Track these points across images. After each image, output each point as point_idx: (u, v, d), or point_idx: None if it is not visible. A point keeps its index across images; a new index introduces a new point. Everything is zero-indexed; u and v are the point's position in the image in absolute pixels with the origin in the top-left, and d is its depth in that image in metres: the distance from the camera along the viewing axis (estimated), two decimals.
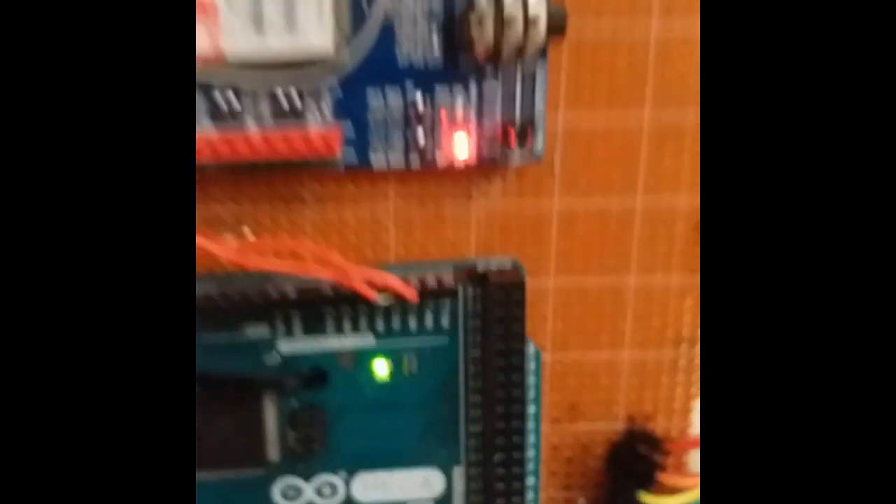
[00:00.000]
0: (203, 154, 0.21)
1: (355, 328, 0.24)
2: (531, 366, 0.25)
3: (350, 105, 0.22)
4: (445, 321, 0.24)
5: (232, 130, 0.21)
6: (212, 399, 0.23)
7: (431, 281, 0.23)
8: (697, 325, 0.25)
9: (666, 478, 0.25)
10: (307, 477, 0.25)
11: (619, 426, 0.26)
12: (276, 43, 0.21)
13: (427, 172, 0.23)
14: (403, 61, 0.21)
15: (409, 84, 0.22)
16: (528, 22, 0.20)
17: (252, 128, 0.22)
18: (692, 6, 0.22)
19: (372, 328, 0.24)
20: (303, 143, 0.21)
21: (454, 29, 0.21)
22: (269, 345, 0.23)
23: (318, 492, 0.25)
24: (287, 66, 0.21)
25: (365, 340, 0.24)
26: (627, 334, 0.25)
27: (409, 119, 0.22)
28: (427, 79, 0.22)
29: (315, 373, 0.24)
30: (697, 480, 0.25)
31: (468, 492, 0.25)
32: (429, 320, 0.24)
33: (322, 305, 0.23)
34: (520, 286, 0.23)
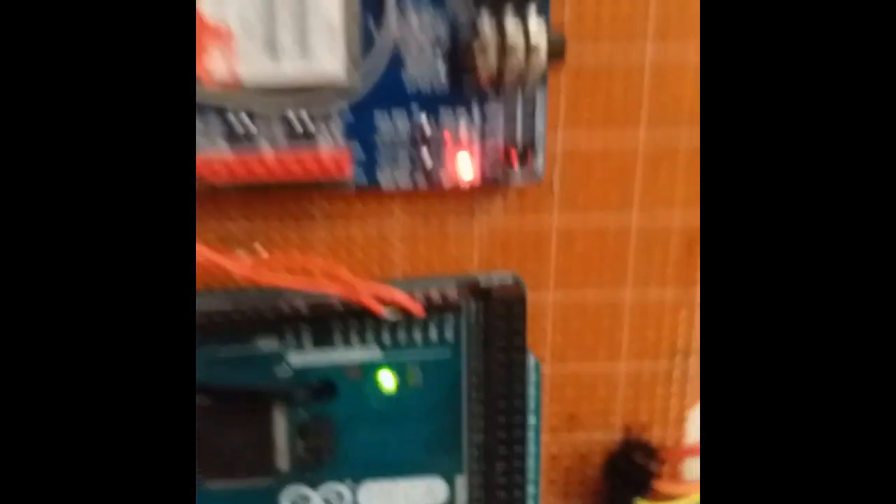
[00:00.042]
0: (218, 174, 0.21)
1: (362, 341, 0.24)
2: (531, 377, 0.25)
3: (359, 127, 0.22)
4: (449, 334, 0.24)
5: (246, 152, 0.22)
6: (224, 409, 0.24)
7: (436, 296, 0.23)
8: (691, 337, 0.25)
9: (661, 486, 0.25)
10: (315, 485, 0.25)
11: (616, 436, 0.26)
12: (290, 69, 0.21)
13: (432, 191, 0.23)
14: (410, 86, 0.22)
15: (415, 107, 0.22)
16: (529, 49, 0.20)
17: (266, 149, 0.22)
18: (686, 32, 0.22)
19: (378, 341, 0.24)
20: (314, 164, 0.22)
21: (459, 56, 0.22)
22: (280, 357, 0.24)
23: (326, 500, 0.25)
24: (300, 90, 0.21)
25: (371, 353, 0.24)
26: (624, 347, 0.25)
27: (416, 141, 0.22)
28: (433, 103, 0.22)
29: (323, 385, 0.24)
30: (692, 488, 0.25)
31: (470, 500, 0.25)
32: (433, 334, 0.24)
33: (331, 319, 0.23)
34: (521, 300, 0.23)
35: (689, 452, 0.26)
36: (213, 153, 0.22)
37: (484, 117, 0.22)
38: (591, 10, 0.22)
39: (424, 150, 0.22)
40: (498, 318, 0.23)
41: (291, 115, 0.22)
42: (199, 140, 0.22)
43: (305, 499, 0.25)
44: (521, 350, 0.23)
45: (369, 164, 0.22)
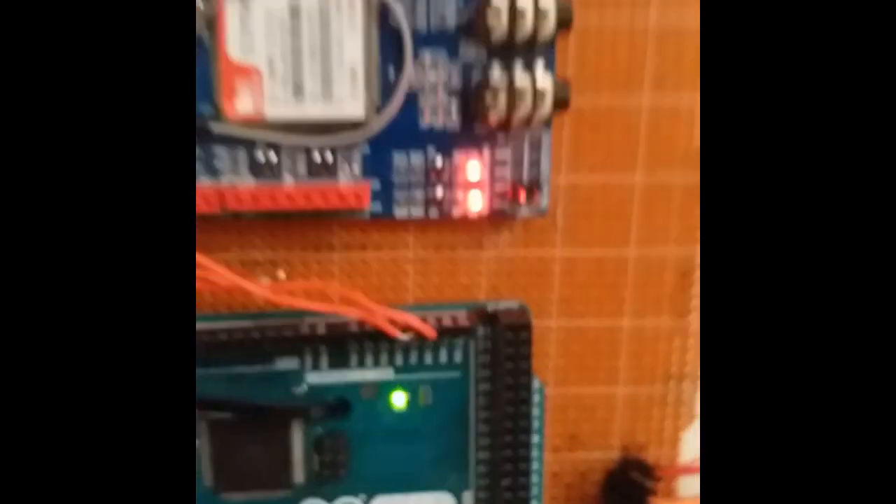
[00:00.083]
0: (243, 203, 0.22)
1: (376, 362, 0.24)
2: (535, 399, 0.25)
3: (377, 164, 0.23)
4: (458, 357, 0.24)
5: (270, 183, 0.22)
6: (244, 425, 0.24)
7: (447, 320, 0.24)
8: (685, 363, 0.26)
9: (657, 502, 0.25)
10: (330, 499, 0.25)
11: (615, 455, 0.26)
12: (314, 110, 0.22)
13: (444, 223, 0.24)
14: (425, 127, 0.23)
15: (430, 147, 0.23)
16: (536, 97, 0.21)
17: (289, 182, 0.22)
18: (680, 82, 0.23)
19: (391, 362, 0.24)
20: (336, 196, 0.22)
21: (470, 101, 0.22)
22: (298, 376, 0.24)
23: None
24: (322, 129, 0.22)
25: (385, 374, 0.24)
26: (622, 371, 0.26)
27: (429, 177, 0.23)
28: (446, 142, 0.23)
29: (339, 402, 0.24)
30: None
31: None
32: (443, 356, 0.24)
33: (347, 341, 0.24)
34: (526, 327, 0.23)
35: (683, 471, 0.26)
36: (238, 183, 0.22)
37: (493, 157, 0.23)
38: (593, 62, 0.23)
39: (437, 186, 0.23)
40: (505, 343, 0.24)
41: (314, 150, 0.22)
42: (226, 171, 0.22)
43: None
44: (527, 373, 0.24)
45: (385, 197, 0.23)
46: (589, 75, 0.23)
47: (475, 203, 0.23)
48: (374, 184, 0.23)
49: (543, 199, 0.23)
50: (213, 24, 0.21)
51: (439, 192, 0.23)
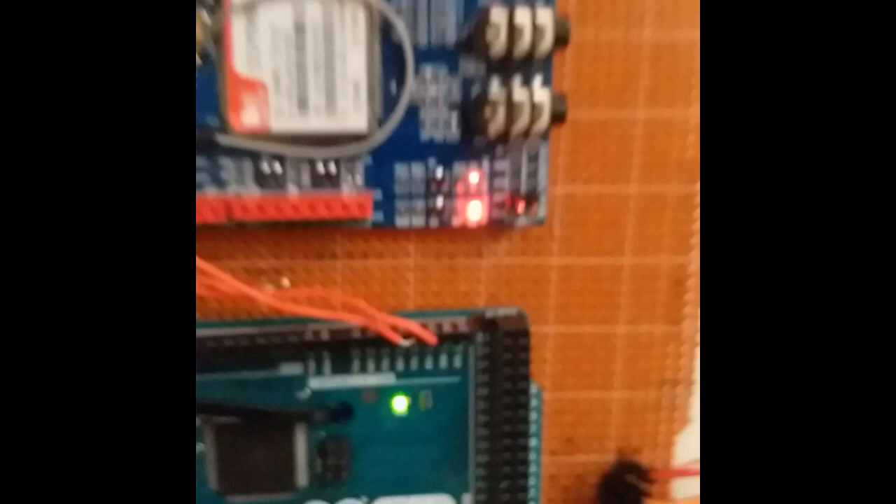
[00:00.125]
0: (249, 213, 0.22)
1: (378, 368, 0.24)
2: (533, 403, 0.25)
3: (380, 175, 0.23)
4: (458, 363, 0.25)
5: (275, 194, 0.23)
6: (249, 428, 0.24)
7: (447, 327, 0.24)
8: (678, 368, 0.26)
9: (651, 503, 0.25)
10: (333, 501, 0.25)
11: (610, 458, 0.26)
12: (318, 122, 0.22)
13: (444, 232, 0.24)
14: (426, 139, 0.23)
15: (430, 159, 0.23)
16: (534, 110, 0.22)
17: (293, 192, 0.23)
18: (673, 96, 0.24)
19: (393, 368, 0.24)
20: (339, 206, 0.23)
21: (470, 113, 0.23)
22: (302, 381, 0.24)
23: None
24: (326, 141, 0.22)
25: (386, 379, 0.25)
26: (617, 376, 0.26)
27: (430, 188, 0.23)
28: (446, 154, 0.23)
29: (342, 407, 0.25)
30: None
31: None
32: (443, 362, 0.25)
33: (350, 347, 0.24)
34: (525, 333, 0.24)
35: (677, 473, 0.26)
36: (244, 194, 0.23)
37: (492, 168, 0.23)
38: (589, 76, 0.23)
39: (438, 197, 0.23)
40: (503, 349, 0.24)
41: (318, 161, 0.23)
42: (233, 182, 0.23)
43: None
44: (525, 378, 0.24)
45: (387, 207, 0.23)
46: (585, 89, 0.24)
47: (474, 213, 0.24)
48: (377, 194, 0.23)
49: (541, 209, 0.24)
50: (220, 39, 0.22)
51: (440, 202, 0.24)
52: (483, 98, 0.22)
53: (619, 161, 0.24)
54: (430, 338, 0.23)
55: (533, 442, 0.25)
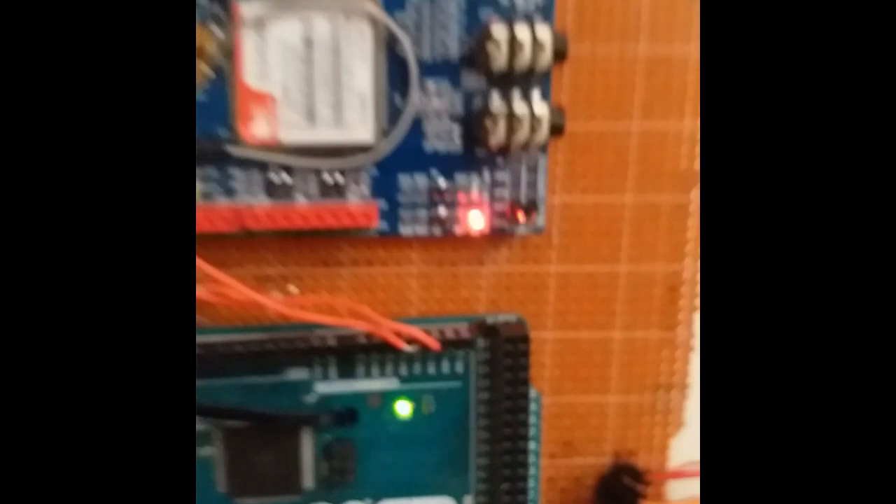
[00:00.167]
0: (258, 221, 0.23)
1: (382, 373, 0.25)
2: (532, 407, 0.25)
3: (385, 185, 0.23)
4: (460, 368, 0.25)
5: (284, 203, 0.23)
6: (256, 432, 0.24)
7: (449, 333, 0.24)
8: (673, 373, 0.26)
9: None
10: (338, 503, 0.25)
11: (607, 461, 0.27)
12: (326, 134, 0.23)
13: (446, 241, 0.24)
14: (429, 150, 0.23)
15: (433, 169, 0.23)
16: (533, 123, 0.22)
17: (301, 202, 0.23)
18: (667, 108, 0.24)
19: (397, 373, 0.25)
20: (346, 215, 0.23)
21: (471, 125, 0.23)
22: (308, 386, 0.25)
23: None
24: (333, 152, 0.23)
25: (390, 384, 0.25)
26: (614, 381, 0.26)
27: (433, 197, 0.24)
28: (449, 165, 0.23)
29: (347, 411, 0.25)
30: None
31: None
32: (445, 367, 0.25)
33: (355, 353, 0.24)
34: (525, 339, 0.24)
35: (671, 475, 0.27)
36: (254, 203, 0.23)
37: (493, 179, 0.24)
38: (587, 90, 0.24)
39: (440, 206, 0.24)
40: (504, 354, 0.24)
41: (325, 172, 0.23)
42: (242, 191, 0.23)
43: None
44: (524, 383, 0.24)
45: (392, 216, 0.24)
46: (582, 103, 0.24)
47: (476, 222, 0.24)
48: (382, 204, 0.24)
49: (540, 219, 0.24)
50: (231, 53, 0.22)
51: (442, 211, 0.24)
52: (484, 111, 0.23)
53: (614, 171, 0.25)
54: (434, 343, 0.24)
55: (532, 445, 0.26)
